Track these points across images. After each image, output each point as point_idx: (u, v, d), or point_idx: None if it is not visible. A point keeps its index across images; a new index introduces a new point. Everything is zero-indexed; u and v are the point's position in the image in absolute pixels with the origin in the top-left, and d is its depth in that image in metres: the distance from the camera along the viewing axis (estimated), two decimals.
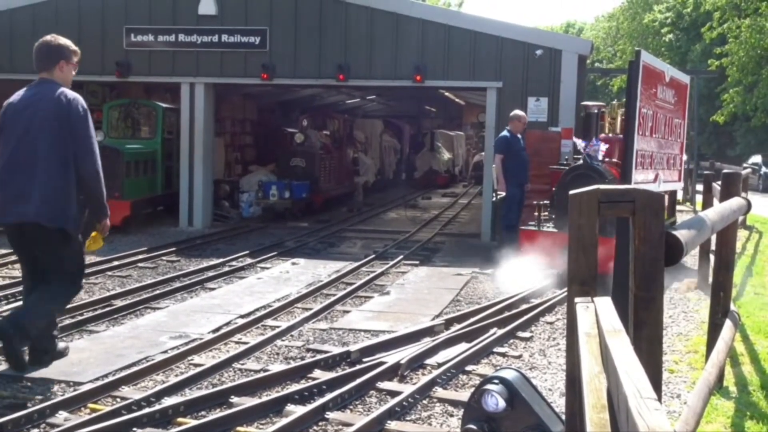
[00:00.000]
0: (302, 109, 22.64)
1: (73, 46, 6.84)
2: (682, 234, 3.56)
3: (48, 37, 6.79)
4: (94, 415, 5.39)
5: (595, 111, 11.52)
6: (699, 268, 10.74)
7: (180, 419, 5.41)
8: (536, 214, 11.08)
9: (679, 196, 24.29)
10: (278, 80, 15.38)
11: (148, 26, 15.47)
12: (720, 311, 6.17)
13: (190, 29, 15.26)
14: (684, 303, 9.73)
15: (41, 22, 15.71)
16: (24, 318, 6.13)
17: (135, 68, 15.62)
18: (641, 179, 5.31)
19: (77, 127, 6.25)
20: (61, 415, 5.42)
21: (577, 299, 2.99)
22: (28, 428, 5.20)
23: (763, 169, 33.03)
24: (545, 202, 11.45)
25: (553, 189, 11.31)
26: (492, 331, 7.74)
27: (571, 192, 3.38)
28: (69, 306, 8.42)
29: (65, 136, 6.20)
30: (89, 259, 11.78)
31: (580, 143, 10.99)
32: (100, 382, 6.10)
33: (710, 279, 8.43)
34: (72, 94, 6.47)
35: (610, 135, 12.12)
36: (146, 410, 5.46)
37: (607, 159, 11.21)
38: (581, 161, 10.75)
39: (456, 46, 14.34)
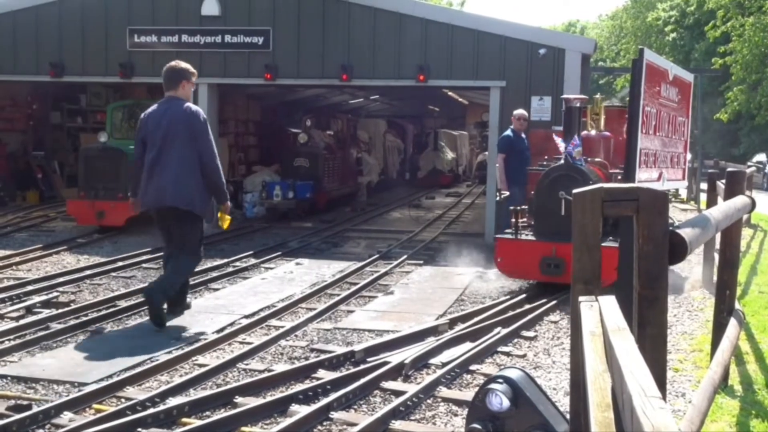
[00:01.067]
0: (306, 109, 22.63)
1: (192, 69, 8.52)
2: (686, 232, 3.55)
3: (172, 63, 8.52)
4: (98, 415, 5.40)
5: (577, 105, 10.33)
6: (703, 266, 10.72)
7: (184, 419, 5.41)
8: (513, 220, 10.11)
9: (683, 194, 24.33)
10: (281, 80, 15.38)
11: (151, 27, 15.48)
12: (725, 310, 6.16)
13: (193, 30, 15.27)
14: (688, 302, 9.72)
15: (44, 23, 15.77)
16: (165, 283, 8.03)
17: (138, 69, 15.63)
18: (645, 178, 5.29)
19: (200, 133, 8.07)
20: (66, 416, 5.44)
21: (581, 298, 2.99)
22: (33, 429, 5.21)
23: None
24: (524, 207, 10.46)
25: (533, 193, 10.27)
26: (496, 330, 7.75)
27: (575, 191, 3.38)
28: (74, 307, 8.49)
29: (192, 140, 7.98)
30: (94, 260, 11.82)
31: (560, 142, 10.12)
32: (104, 383, 6.11)
33: (715, 278, 8.42)
34: (195, 107, 8.37)
35: (593, 132, 10.88)
36: (151, 410, 5.46)
37: (589, 159, 10.31)
38: (562, 161, 9.77)
39: (459, 45, 14.33)
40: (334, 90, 20.82)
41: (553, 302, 9.09)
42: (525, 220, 10.37)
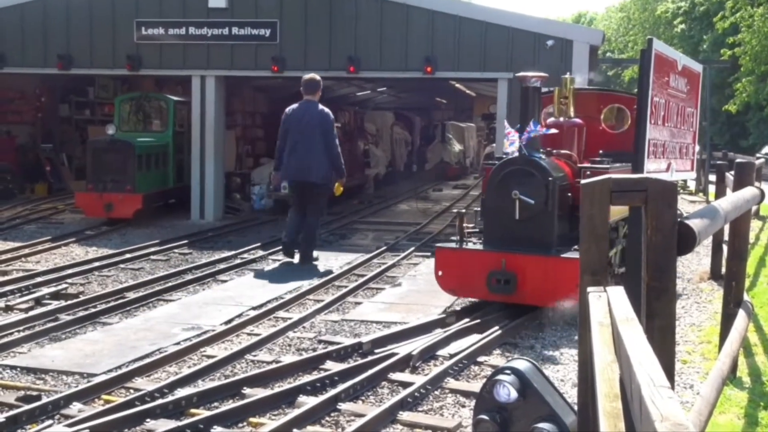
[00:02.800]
0: None
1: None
2: (694, 223, 3.54)
3: (311, 75, 11.47)
4: (107, 406, 5.43)
5: (536, 85, 8.38)
6: (712, 258, 10.69)
7: (193, 410, 5.43)
8: (458, 225, 8.40)
9: (692, 186, 24.24)
10: (289, 73, 15.35)
11: (159, 19, 15.48)
12: (733, 301, 6.14)
13: (201, 22, 15.26)
14: (697, 293, 9.69)
15: (52, 16, 15.79)
16: (300, 236, 11.01)
17: (146, 62, 15.64)
18: (653, 168, 5.26)
19: (329, 129, 11.04)
20: (75, 407, 5.46)
21: (589, 288, 2.98)
22: (43, 419, 5.24)
23: None
24: (477, 209, 8.90)
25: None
26: (504, 322, 7.74)
27: (583, 182, 3.37)
28: (82, 298, 8.52)
29: (322, 133, 10.81)
30: (102, 252, 11.84)
31: (510, 130, 8.28)
32: (113, 374, 6.14)
33: (723, 269, 8.40)
34: (326, 110, 11.18)
35: (562, 119, 8.91)
36: (159, 401, 5.49)
37: (554, 151, 8.65)
38: (516, 154, 8.02)
39: (466, 37, 14.28)
40: (341, 82, 20.76)
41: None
42: (473, 225, 8.83)
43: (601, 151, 9.02)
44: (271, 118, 22.74)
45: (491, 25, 14.22)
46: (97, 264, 10.87)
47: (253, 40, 15.21)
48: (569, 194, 8.12)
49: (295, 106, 11.21)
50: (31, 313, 8.04)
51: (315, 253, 11.18)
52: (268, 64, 15.13)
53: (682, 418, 1.44)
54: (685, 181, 23.16)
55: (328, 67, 15.15)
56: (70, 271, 10.30)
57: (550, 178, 7.70)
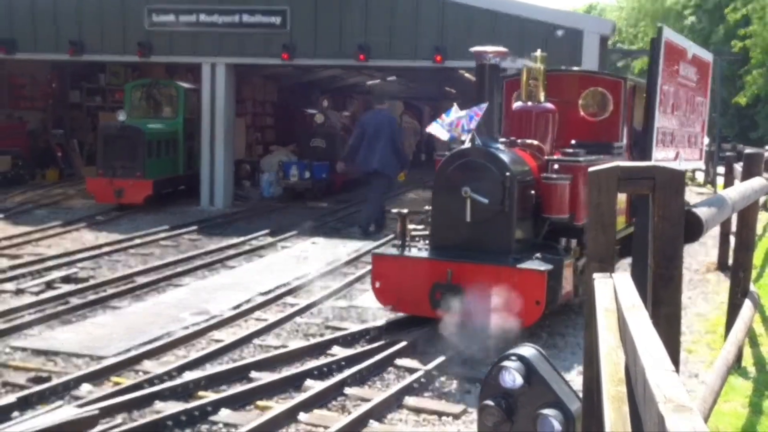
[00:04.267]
0: (322, 89, 22.59)
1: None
2: (702, 211, 3.54)
3: (378, 82, 16.27)
4: (117, 388, 5.47)
5: (495, 62, 6.90)
6: (719, 248, 10.66)
7: (201, 393, 5.48)
8: (399, 228, 7.11)
9: (700, 178, 24.15)
10: (299, 61, 15.35)
11: (170, 6, 15.46)
12: (740, 291, 6.14)
13: (212, 9, 15.24)
14: (703, 284, 9.68)
15: (63, 2, 15.78)
16: (371, 214, 13.16)
17: (156, 48, 15.63)
18: (662, 157, 5.23)
19: (395, 131, 13.41)
20: (85, 388, 5.51)
21: (595, 275, 2.99)
22: (53, 400, 5.28)
23: None
24: (427, 208, 7.41)
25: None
26: None
27: (590, 169, 3.36)
28: (92, 282, 8.57)
29: (390, 134, 12.92)
30: (113, 237, 11.87)
31: (447, 116, 6.55)
32: (122, 357, 6.18)
33: (730, 260, 8.37)
34: (393, 116, 14.55)
35: (530, 103, 7.50)
36: (168, 384, 5.53)
37: (519, 140, 7.34)
38: (468, 144, 6.69)
39: (476, 26, 14.21)
40: (351, 71, 20.75)
41: None
42: (423, 227, 7.59)
43: (573, 141, 7.68)
44: (281, 106, 22.80)
45: (501, 15, 14.15)
46: (107, 249, 10.92)
47: (263, 28, 15.18)
48: (533, 192, 6.83)
49: (369, 113, 14.25)
50: (42, 296, 8.09)
51: (372, 227, 13.04)
52: (278, 52, 15.09)
53: (686, 400, 1.44)
54: (693, 172, 23.07)
55: (338, 55, 15.14)
56: (80, 256, 10.35)
57: (507, 173, 6.39)
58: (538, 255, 6.39)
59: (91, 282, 8.82)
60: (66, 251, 10.66)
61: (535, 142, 7.35)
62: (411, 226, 7.37)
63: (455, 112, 6.41)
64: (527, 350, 4.56)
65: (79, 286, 8.60)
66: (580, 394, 3.78)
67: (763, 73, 33.31)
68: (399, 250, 6.87)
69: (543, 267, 6.12)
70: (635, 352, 1.94)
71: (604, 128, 7.99)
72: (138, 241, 11.58)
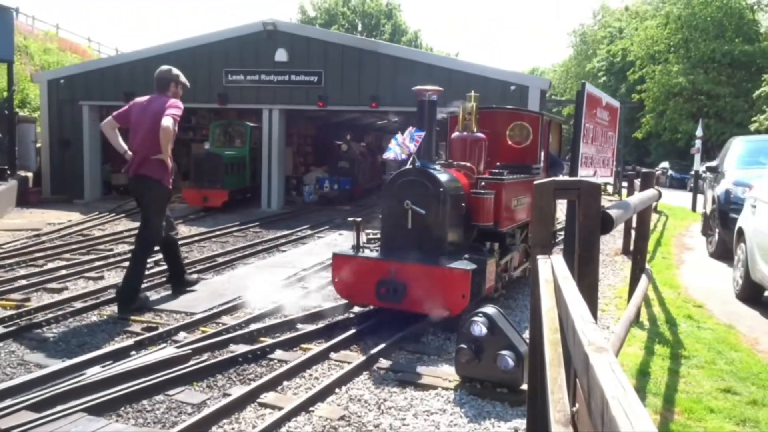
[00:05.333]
0: (346, 127, 22.54)
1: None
2: (613, 212, 3.52)
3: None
4: (203, 334, 5.47)
5: (432, 98, 6.28)
6: (623, 239, 10.63)
7: (262, 339, 5.46)
8: (354, 233, 6.31)
9: (610, 189, 24.07)
10: (330, 107, 15.36)
11: (240, 69, 15.49)
12: (638, 269, 6.11)
13: (269, 71, 15.27)
14: (612, 263, 9.64)
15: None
16: None
17: (231, 98, 15.67)
18: (584, 174, 5.22)
19: None
20: (182, 335, 5.51)
21: (539, 256, 2.97)
22: (159, 343, 5.28)
23: (670, 172, 32.72)
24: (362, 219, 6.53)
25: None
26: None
27: (536, 182, 3.34)
28: (187, 261, 8.53)
29: None
30: (200, 230, 11.85)
31: (395, 141, 5.96)
32: (208, 313, 6.18)
33: (631, 246, 8.35)
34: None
35: (465, 133, 6.92)
36: (239, 332, 5.52)
37: (455, 163, 6.71)
38: (409, 165, 6.01)
39: (454, 83, 14.18)
40: (367, 114, 20.72)
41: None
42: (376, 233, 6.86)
43: (498, 163, 7.15)
44: (317, 139, 22.80)
45: (471, 75, 14.13)
46: (197, 238, 10.93)
47: (305, 84, 15.20)
48: (463, 204, 6.18)
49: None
50: (152, 270, 8.09)
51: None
52: (315, 101, 15.13)
53: (603, 343, 1.43)
54: (605, 185, 23.02)
55: (357, 103, 15.15)
56: (178, 242, 10.34)
57: (441, 189, 5.81)
58: (466, 256, 5.79)
59: (186, 260, 8.82)
60: None
61: (468, 164, 6.75)
62: (369, 231, 6.70)
63: (401, 137, 5.88)
64: (490, 309, 4.55)
65: (361, 227, 8.62)
66: (527, 340, 3.77)
67: (654, 116, 33.32)
68: (354, 251, 6.11)
69: (468, 267, 5.45)
70: (567, 310, 1.93)
71: (525, 153, 7.54)
72: (218, 232, 11.59)
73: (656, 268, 8.67)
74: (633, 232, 8.21)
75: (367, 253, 6.09)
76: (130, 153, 6.26)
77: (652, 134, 35.83)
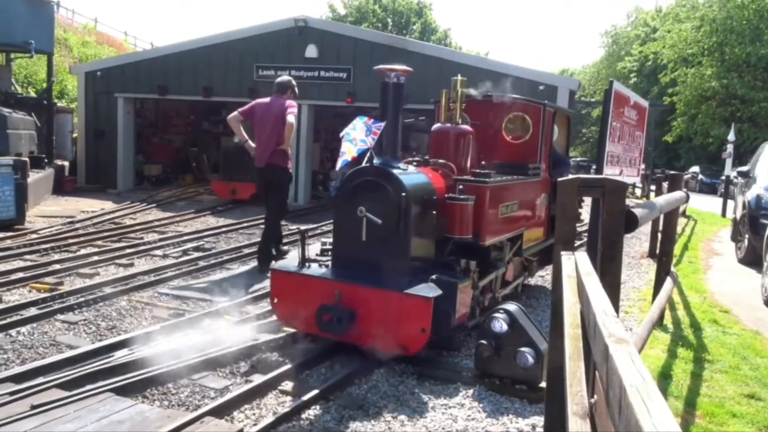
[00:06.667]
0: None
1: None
2: (637, 211, 3.47)
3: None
4: (228, 323, 5.52)
5: (396, 81, 4.95)
6: (650, 242, 10.45)
7: (285, 329, 5.48)
8: (299, 245, 5.05)
9: (638, 193, 23.68)
10: (358, 103, 15.37)
11: (271, 64, 15.60)
12: (663, 271, 6.01)
13: (299, 67, 15.35)
14: (638, 266, 9.49)
15: (199, 60, 16.01)
16: None
17: (261, 93, 15.73)
18: (610, 173, 5.12)
19: None
20: (206, 321, 5.56)
21: (563, 252, 2.94)
22: (185, 329, 5.34)
23: (700, 176, 32.14)
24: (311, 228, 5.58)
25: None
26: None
27: (559, 180, 3.30)
28: (214, 251, 8.62)
29: None
30: (228, 221, 11.96)
31: (353, 129, 5.03)
32: (232, 301, 6.21)
33: (658, 250, 8.20)
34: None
35: (448, 125, 5.56)
36: (262, 321, 5.57)
37: (431, 160, 5.38)
38: (366, 162, 4.94)
39: (483, 81, 14.09)
40: None
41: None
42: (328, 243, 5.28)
43: (483, 162, 5.70)
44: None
45: (500, 74, 13.98)
46: (224, 229, 11.06)
47: (334, 81, 15.24)
48: (434, 212, 4.82)
49: None
50: (180, 260, 8.23)
51: None
52: (344, 97, 15.16)
53: (624, 334, 1.42)
54: (634, 186, 22.65)
55: None
56: (206, 233, 10.49)
57: (403, 194, 4.52)
58: (433, 277, 4.50)
59: (213, 251, 8.94)
60: (197, 230, 10.82)
61: (448, 162, 5.33)
62: (326, 241, 5.36)
63: (355, 129, 4.88)
64: (512, 306, 4.52)
65: (205, 253, 8.71)
66: (548, 337, 3.74)
67: (685, 120, 32.71)
68: (298, 266, 4.87)
69: (431, 293, 4.27)
70: (589, 304, 1.91)
71: (523, 150, 6.26)
72: (245, 224, 11.70)
73: (683, 272, 8.51)
74: (659, 236, 8.07)
75: (312, 269, 4.81)
76: (251, 143, 7.51)
77: (682, 138, 35.14)
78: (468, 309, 4.85)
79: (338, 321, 4.43)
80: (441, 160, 5.35)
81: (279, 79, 7.69)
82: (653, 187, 21.10)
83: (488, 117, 6.33)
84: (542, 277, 8.26)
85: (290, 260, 5.20)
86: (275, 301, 4.87)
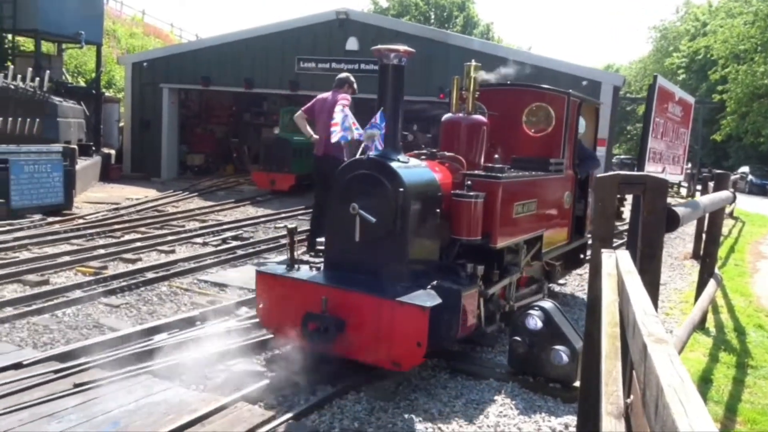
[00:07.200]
0: (413, 118, 22.47)
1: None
2: (680, 210, 3.37)
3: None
4: None
5: (397, 63, 4.49)
6: (694, 243, 10.15)
7: None
8: (288, 244, 4.59)
9: (683, 192, 23.03)
10: None
11: (312, 57, 15.69)
12: (706, 272, 5.83)
13: (340, 59, 15.39)
14: (681, 268, 9.24)
15: (241, 52, 16.22)
16: None
17: (302, 85, 15.90)
18: (652, 170, 4.95)
19: None
20: (243, 309, 5.63)
21: (603, 250, 2.88)
22: (222, 315, 5.42)
23: (750, 177, 31.06)
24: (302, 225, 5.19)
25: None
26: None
27: (598, 175, 3.23)
28: (252, 240, 8.74)
29: None
30: (267, 212, 12.12)
31: (340, 113, 4.68)
32: None
33: (702, 251, 7.97)
34: None
35: (460, 114, 5.09)
36: None
37: (438, 153, 4.97)
38: (360, 154, 4.40)
39: (524, 76, 13.88)
40: (434, 104, 20.58)
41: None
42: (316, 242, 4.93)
43: (496, 156, 4.98)
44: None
45: (541, 68, 13.78)
46: (263, 219, 11.20)
47: (374, 73, 15.14)
48: (437, 210, 4.35)
49: None
50: (219, 248, 8.37)
51: None
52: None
53: (664, 335, 1.38)
54: (679, 186, 22.06)
55: (425, 94, 15.07)
56: (245, 223, 10.65)
57: (401, 189, 4.02)
58: (434, 283, 4.01)
59: (251, 240, 9.06)
60: (236, 219, 10.99)
61: (456, 156, 4.88)
62: (321, 240, 4.74)
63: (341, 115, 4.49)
64: (547, 304, 4.46)
65: (243, 242, 8.84)
66: (583, 336, 3.67)
67: (736, 118, 31.65)
68: (287, 268, 4.38)
69: (429, 301, 3.73)
70: (629, 303, 1.87)
71: (545, 144, 5.65)
72: (283, 214, 11.83)
73: (728, 275, 8.24)
74: (704, 236, 7.83)
75: (301, 272, 4.32)
76: (315, 137, 7.54)
77: (732, 137, 33.99)
78: (475, 319, 4.31)
79: (325, 331, 3.90)
80: (449, 154, 4.88)
81: (339, 75, 7.97)
82: (699, 187, 20.49)
83: (507, 107, 5.73)
84: (564, 284, 8.12)
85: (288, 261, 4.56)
86: (260, 305, 4.32)
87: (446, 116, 5.17)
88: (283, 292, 4.20)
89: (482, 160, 5.01)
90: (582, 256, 6.60)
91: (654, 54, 49.15)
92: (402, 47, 4.38)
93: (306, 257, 4.63)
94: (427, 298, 3.83)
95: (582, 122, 6.11)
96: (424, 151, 4.99)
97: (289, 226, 4.63)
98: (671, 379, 1.05)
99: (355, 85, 7.95)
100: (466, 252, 4.50)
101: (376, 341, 3.83)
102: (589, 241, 6.49)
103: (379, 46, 4.38)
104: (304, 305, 4.04)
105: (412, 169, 4.35)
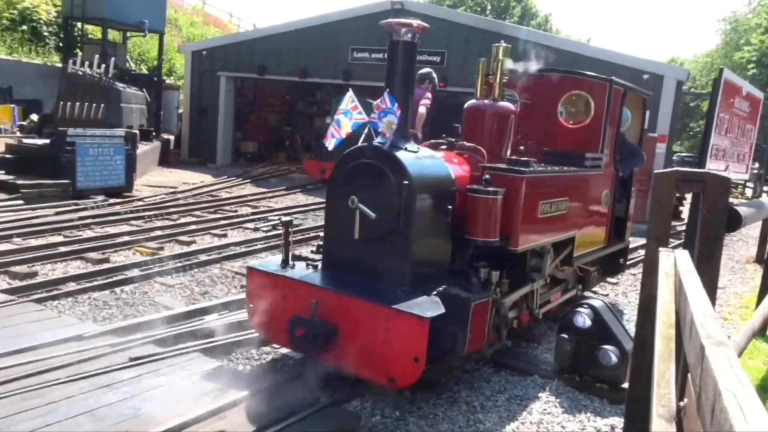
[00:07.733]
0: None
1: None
2: (742, 209, 3.22)
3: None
4: None
5: (410, 39, 3.90)
6: (758, 246, 9.69)
7: None
8: (283, 238, 4.12)
9: (749, 193, 22.02)
10: (451, 88, 15.20)
11: (365, 47, 15.71)
12: None
13: None
14: (742, 272, 8.84)
15: (297, 42, 16.38)
16: None
17: (355, 75, 15.95)
18: (714, 167, 4.71)
19: None
20: None
21: (661, 249, 2.78)
22: None
23: None
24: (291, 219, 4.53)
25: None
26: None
27: (656, 171, 3.11)
28: (301, 227, 8.81)
29: None
30: (316, 200, 12.24)
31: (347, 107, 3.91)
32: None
33: (766, 255, 7.60)
34: None
35: (487, 101, 4.60)
36: None
37: (457, 143, 4.52)
38: (365, 142, 3.87)
39: (581, 68, 13.53)
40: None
41: (638, 257, 8.48)
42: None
43: (522, 148, 4.52)
44: (434, 119, 22.71)
45: (601, 61, 13.38)
46: (312, 207, 11.33)
47: (428, 64, 15.10)
48: (449, 207, 3.83)
49: None
50: (270, 233, 8.51)
51: None
52: (438, 81, 15.02)
53: (724, 338, 1.31)
54: (744, 185, 21.11)
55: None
56: (295, 210, 10.80)
57: (405, 182, 3.54)
58: (440, 289, 3.53)
59: (300, 227, 9.18)
60: (286, 206, 11.17)
61: (477, 146, 4.38)
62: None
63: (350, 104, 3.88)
64: (597, 302, 4.35)
65: (293, 229, 8.93)
66: (634, 337, 3.56)
67: None
68: (282, 265, 3.96)
69: (429, 311, 3.26)
70: (687, 303, 1.79)
71: (582, 137, 5.08)
72: (313, 207, 11.90)
73: None
74: None
75: (295, 270, 3.89)
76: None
77: None
78: (485, 332, 3.80)
79: (313, 338, 3.49)
80: (469, 144, 4.33)
81: (421, 71, 7.89)
82: (766, 188, 19.56)
83: (541, 95, 5.17)
84: (635, 275, 7.89)
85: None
86: (250, 305, 3.91)
87: (469, 103, 4.62)
88: (273, 291, 3.78)
89: (508, 152, 4.49)
90: (622, 261, 5.91)
91: (722, 47, 47.01)
92: (415, 21, 3.85)
93: (307, 254, 4.19)
94: (428, 306, 3.35)
95: (627, 114, 5.55)
96: (444, 141, 4.52)
97: (284, 219, 4.20)
98: (730, 382, 1.00)
99: (436, 81, 7.93)
100: (482, 255, 3.96)
101: (369, 353, 3.36)
102: (631, 245, 6.20)
103: (390, 20, 3.90)
104: (293, 307, 3.65)
105: (422, 160, 3.81)
